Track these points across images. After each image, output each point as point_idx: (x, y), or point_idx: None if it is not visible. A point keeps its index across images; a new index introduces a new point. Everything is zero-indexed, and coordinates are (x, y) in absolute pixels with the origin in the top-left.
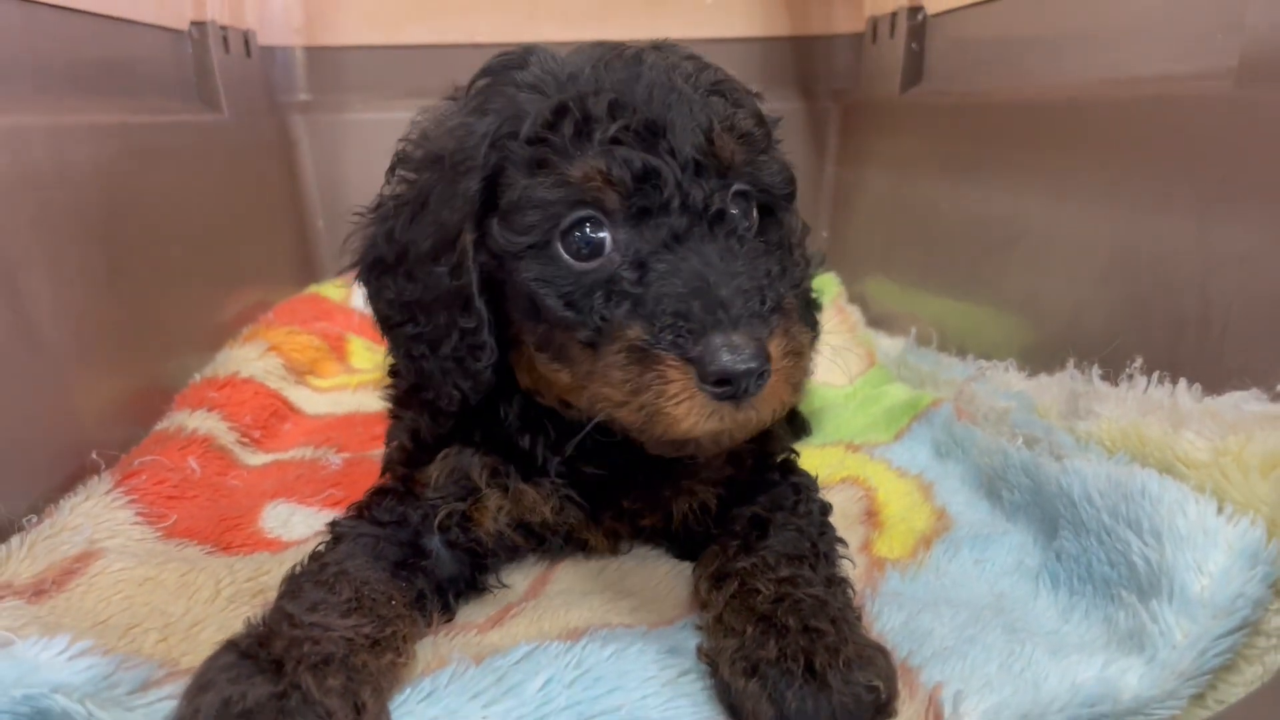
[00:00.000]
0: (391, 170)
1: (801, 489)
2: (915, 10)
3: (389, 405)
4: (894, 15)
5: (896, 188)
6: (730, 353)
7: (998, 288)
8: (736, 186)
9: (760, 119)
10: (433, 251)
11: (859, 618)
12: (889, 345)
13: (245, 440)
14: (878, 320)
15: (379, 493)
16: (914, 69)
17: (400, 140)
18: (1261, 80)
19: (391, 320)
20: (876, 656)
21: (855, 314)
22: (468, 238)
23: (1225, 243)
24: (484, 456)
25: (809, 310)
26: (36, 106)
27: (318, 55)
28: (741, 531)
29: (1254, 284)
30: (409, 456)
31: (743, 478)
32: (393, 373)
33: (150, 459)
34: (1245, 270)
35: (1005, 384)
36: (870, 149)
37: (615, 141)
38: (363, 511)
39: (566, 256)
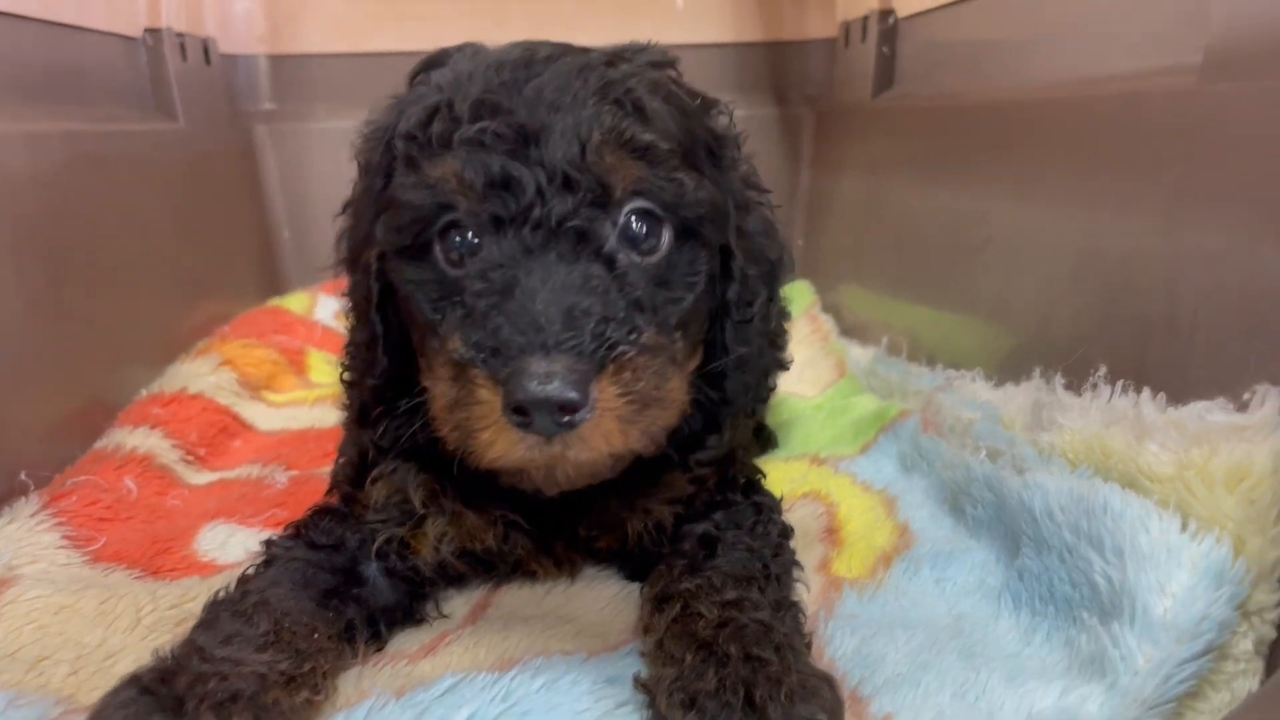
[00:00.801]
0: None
1: (763, 509)
2: (886, 14)
3: (344, 417)
4: (865, 19)
5: (870, 193)
6: (532, 381)
7: (967, 293)
8: (633, 204)
9: (678, 135)
10: (352, 261)
11: (808, 644)
12: (860, 355)
13: (189, 458)
14: (851, 329)
15: (318, 512)
16: (885, 73)
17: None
18: (1226, 75)
19: (346, 318)
20: (821, 687)
21: (829, 323)
22: (371, 252)
23: (1192, 242)
24: (423, 474)
25: (771, 345)
26: None
27: (281, 63)
28: (690, 550)
29: (1222, 284)
30: (355, 473)
31: (703, 497)
32: (348, 384)
33: (83, 479)
34: (1213, 270)
35: (972, 394)
36: (844, 155)
37: (479, 144)
38: (299, 532)
39: (440, 259)
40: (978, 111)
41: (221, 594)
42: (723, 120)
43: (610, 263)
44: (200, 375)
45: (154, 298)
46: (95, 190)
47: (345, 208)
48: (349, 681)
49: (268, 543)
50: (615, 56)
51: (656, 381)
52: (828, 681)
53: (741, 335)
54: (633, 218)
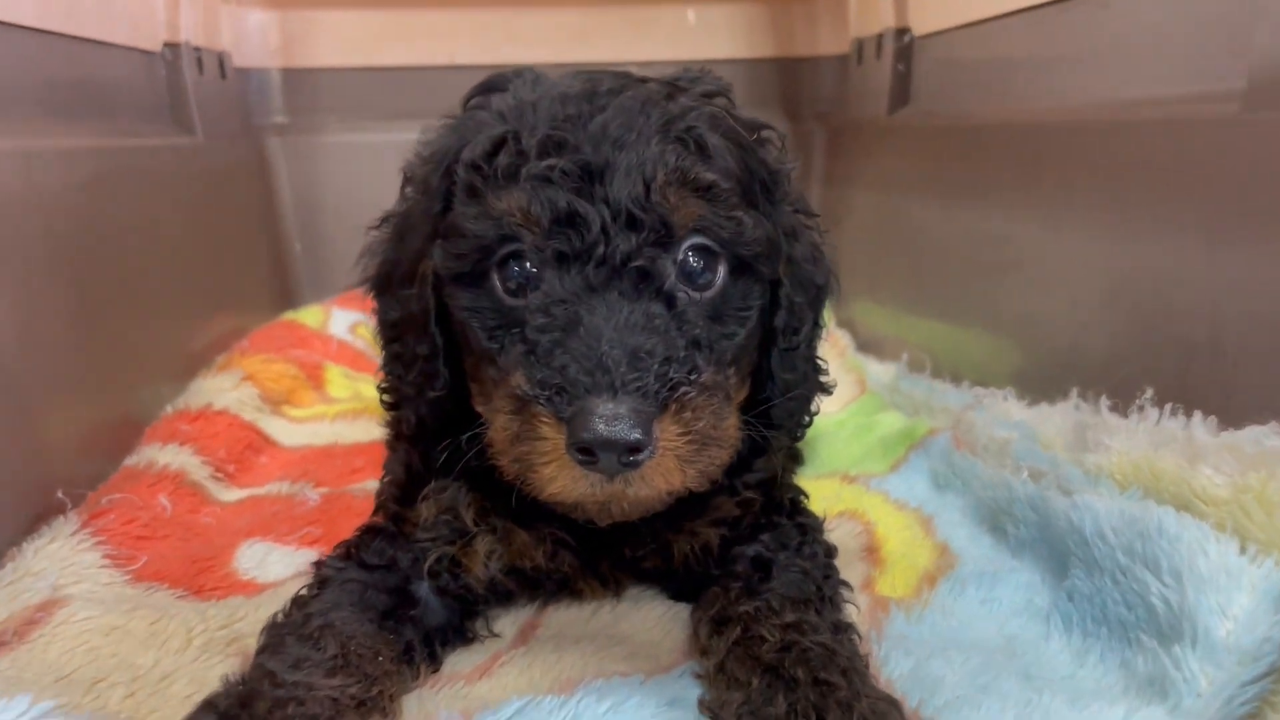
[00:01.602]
0: (402, 187)
1: (808, 530)
2: (902, 31)
3: (388, 436)
4: (880, 37)
5: (884, 210)
6: (599, 422)
7: (992, 312)
8: (692, 241)
9: (738, 173)
10: (406, 274)
11: (867, 666)
12: (880, 371)
13: (219, 475)
14: (867, 345)
15: (368, 532)
16: (901, 91)
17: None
18: (1270, 103)
19: (384, 339)
20: (891, 712)
21: (844, 339)
22: (428, 264)
23: (1236, 268)
24: (473, 493)
25: (813, 371)
26: (5, 129)
27: (294, 77)
28: (744, 573)
29: (1268, 310)
30: (402, 492)
31: (749, 520)
32: (391, 405)
33: (119, 497)
34: (1258, 296)
35: (1004, 413)
36: (857, 171)
37: (545, 180)
38: (350, 552)
39: (499, 288)
40: (1003, 132)
41: (280, 616)
42: (774, 151)
43: (670, 301)
44: (224, 391)
45: (173, 312)
46: (120, 205)
47: (384, 221)
48: (412, 704)
49: (319, 564)
50: (673, 88)
51: (714, 420)
52: (895, 706)
53: (788, 363)
54: (690, 254)
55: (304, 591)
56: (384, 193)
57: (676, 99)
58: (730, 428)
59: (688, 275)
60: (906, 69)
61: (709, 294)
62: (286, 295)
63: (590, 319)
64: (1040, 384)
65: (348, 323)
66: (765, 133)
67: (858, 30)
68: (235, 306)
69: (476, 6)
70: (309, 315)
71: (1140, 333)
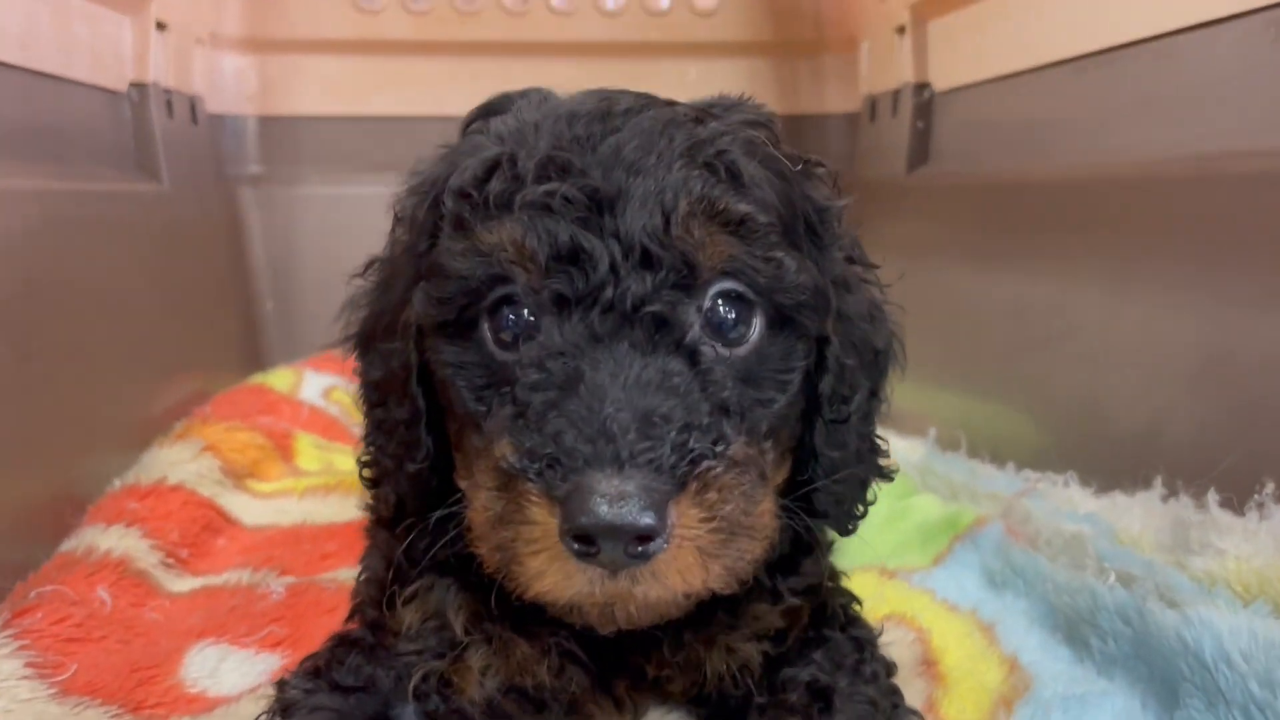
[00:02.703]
0: (392, 228)
1: (864, 645)
2: (922, 87)
3: (368, 522)
4: (896, 93)
5: (907, 274)
6: (601, 503)
7: (1040, 390)
8: (721, 286)
9: (777, 206)
10: (389, 326)
11: None
12: (906, 448)
13: (170, 561)
14: (888, 419)
15: (341, 644)
16: (921, 148)
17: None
18: None
19: (367, 404)
20: None
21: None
22: (411, 312)
23: None
24: (463, 594)
25: (870, 451)
26: None
27: (272, 125)
28: (799, 704)
29: None
30: (381, 593)
31: (796, 634)
32: (372, 482)
33: (50, 590)
34: None
35: (1068, 502)
36: (873, 233)
37: (544, 208)
38: (319, 670)
39: (489, 339)
40: (1048, 190)
41: None
42: (823, 189)
43: (693, 357)
44: (180, 463)
45: (129, 373)
46: (68, 255)
47: (369, 267)
48: None
49: (281, 684)
50: (704, 112)
51: (745, 505)
52: None
53: (835, 438)
54: (719, 302)
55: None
56: (365, 249)
57: (706, 123)
58: (765, 514)
59: (716, 328)
60: (926, 126)
61: (741, 351)
62: (256, 357)
63: (593, 376)
64: (1107, 472)
65: (321, 387)
66: (814, 167)
67: (870, 87)
68: (199, 368)
69: (467, 54)
70: (279, 379)
71: (1243, 422)
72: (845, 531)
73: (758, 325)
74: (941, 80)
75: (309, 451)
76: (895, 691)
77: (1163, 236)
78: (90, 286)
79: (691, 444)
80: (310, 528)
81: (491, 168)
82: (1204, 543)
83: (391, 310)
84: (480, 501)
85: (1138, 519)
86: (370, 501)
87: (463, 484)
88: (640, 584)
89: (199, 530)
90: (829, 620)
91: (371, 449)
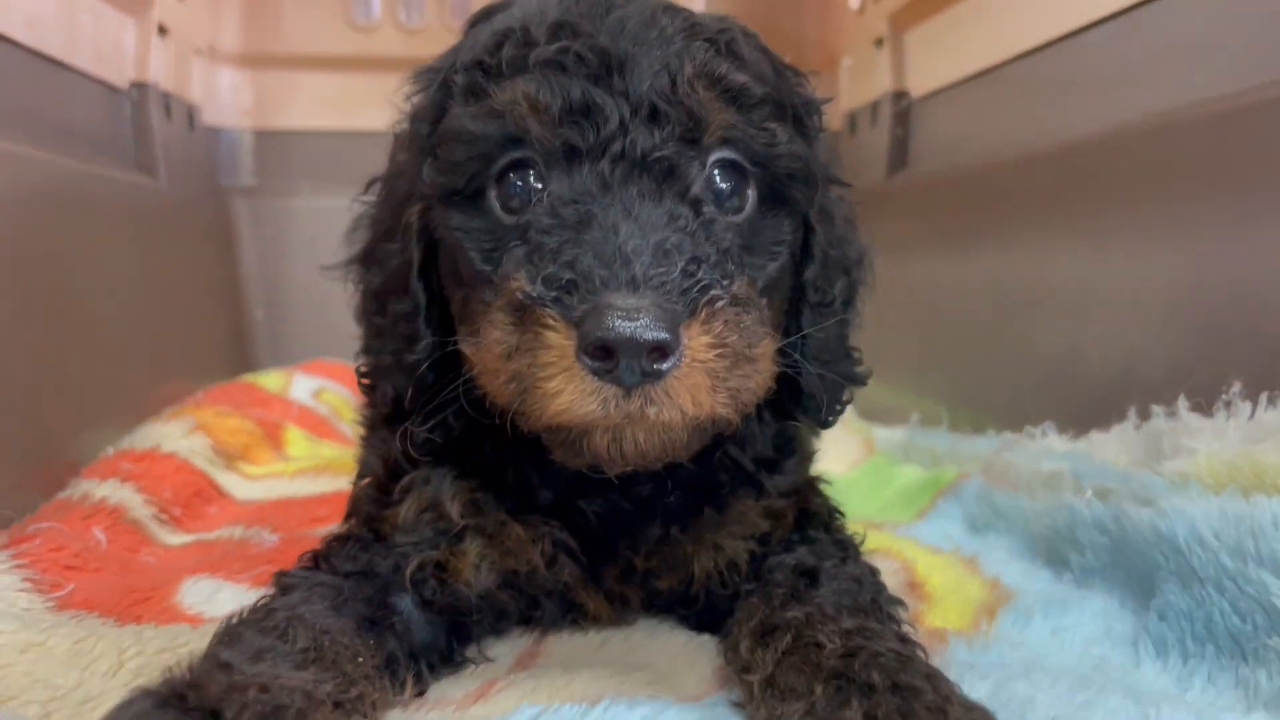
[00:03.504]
0: (392, 153)
1: (848, 545)
2: (900, 95)
3: (361, 430)
4: (874, 105)
5: (890, 275)
6: (619, 317)
7: (1023, 352)
8: (719, 154)
9: (771, 84)
10: (390, 229)
11: None
12: (888, 434)
13: (163, 517)
14: (868, 413)
15: (339, 539)
16: (899, 154)
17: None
18: None
19: (365, 314)
20: (988, 718)
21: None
22: (414, 208)
23: None
24: (459, 482)
25: (845, 355)
26: None
27: (266, 138)
28: (785, 581)
29: None
30: (379, 491)
31: (780, 535)
32: (369, 387)
33: (46, 526)
34: None
35: (1045, 449)
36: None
37: (557, 65)
38: (319, 561)
39: (497, 206)
40: (1019, 169)
41: (235, 618)
42: (807, 90)
43: (697, 206)
44: (174, 437)
45: (123, 356)
46: (70, 228)
47: (370, 185)
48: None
49: (280, 574)
50: (695, 13)
51: (748, 337)
52: (991, 717)
53: (820, 321)
54: (717, 171)
55: (263, 600)
56: None
57: (699, 16)
58: (766, 351)
59: (715, 196)
60: (905, 132)
61: (738, 219)
62: (245, 362)
63: (605, 215)
64: (1086, 417)
65: (311, 388)
66: (804, 77)
67: (849, 102)
68: (189, 367)
69: None
70: (269, 379)
71: (1214, 341)
72: (825, 423)
73: (751, 198)
74: (918, 86)
75: (298, 442)
76: (880, 584)
77: (1129, 191)
78: (88, 263)
79: (700, 275)
80: (300, 498)
81: (503, 38)
82: (1176, 447)
83: (392, 214)
84: (493, 338)
85: (1114, 448)
86: (365, 413)
87: (468, 349)
88: (653, 404)
89: (191, 494)
90: (813, 521)
91: (370, 356)
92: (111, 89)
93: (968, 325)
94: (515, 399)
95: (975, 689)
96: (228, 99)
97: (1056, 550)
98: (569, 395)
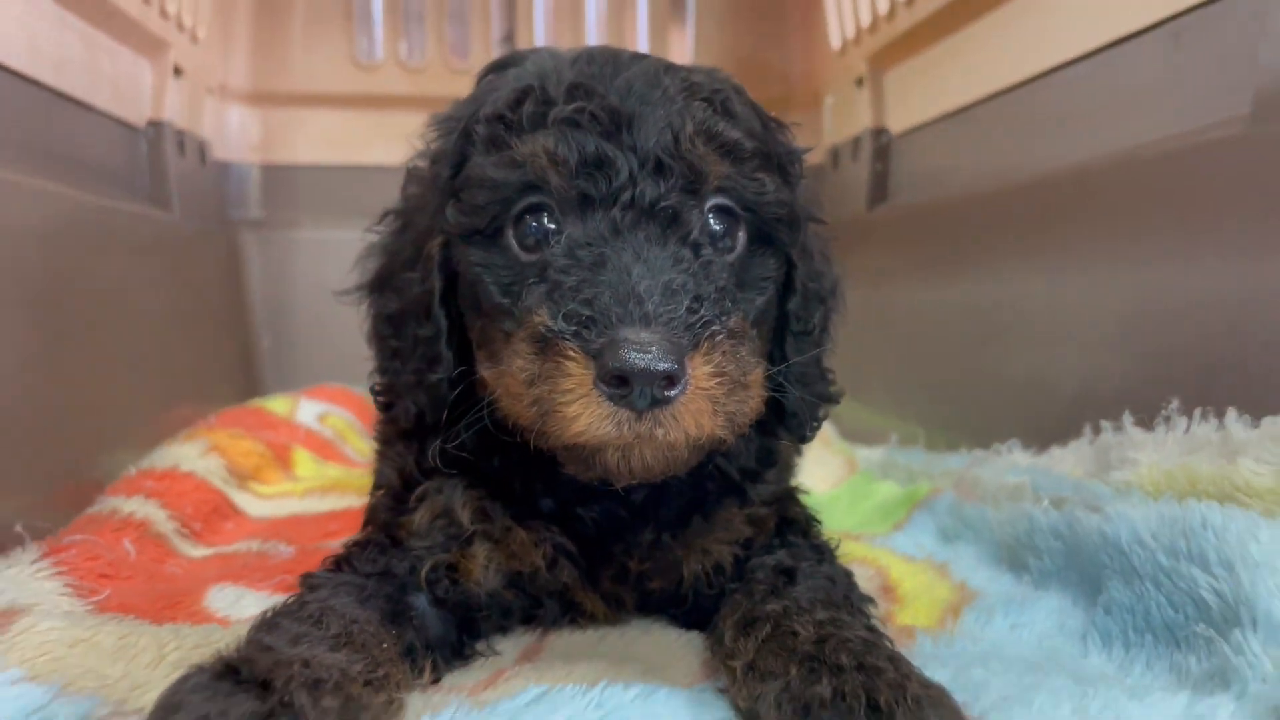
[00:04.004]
0: (404, 186)
1: (825, 551)
2: (879, 132)
3: (377, 444)
4: (856, 140)
5: (870, 304)
6: (633, 351)
7: (991, 377)
8: (714, 201)
9: (760, 138)
10: (410, 259)
11: None
12: (868, 454)
13: (185, 531)
14: (850, 434)
15: (359, 544)
16: (879, 188)
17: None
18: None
19: (379, 337)
20: (945, 697)
21: (829, 429)
22: (435, 241)
23: (1257, 276)
24: (470, 491)
25: (821, 377)
26: None
27: (273, 173)
28: (766, 579)
29: None
30: (396, 501)
31: (761, 540)
32: (386, 405)
33: (80, 537)
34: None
35: (1011, 463)
36: (838, 267)
37: (573, 123)
38: (341, 564)
39: (515, 245)
40: (992, 203)
41: (270, 612)
42: (791, 140)
43: (697, 249)
44: (191, 457)
45: (138, 382)
46: (91, 260)
47: (384, 217)
48: (415, 701)
49: (306, 575)
50: (692, 69)
51: (743, 366)
52: (946, 692)
53: (801, 349)
54: (712, 216)
55: (293, 597)
56: None
57: (695, 76)
58: (757, 379)
59: (711, 239)
60: (884, 166)
61: (730, 257)
62: (252, 388)
63: (618, 258)
64: (1048, 434)
65: (316, 413)
66: (782, 124)
67: (833, 137)
68: (200, 392)
69: None
70: (276, 404)
71: (1158, 361)
72: (805, 439)
73: (742, 238)
74: (897, 124)
75: (306, 463)
76: (853, 584)
77: (1090, 225)
78: (108, 295)
79: (703, 311)
80: (311, 515)
81: (522, 95)
82: (1122, 459)
83: (413, 245)
84: (516, 365)
85: (1070, 461)
86: (381, 428)
87: (487, 373)
88: (661, 426)
89: (209, 511)
90: (792, 527)
91: (386, 376)
92: (130, 127)
93: (943, 351)
94: (537, 421)
95: (936, 675)
96: (236, 135)
97: (1017, 555)
98: (587, 419)
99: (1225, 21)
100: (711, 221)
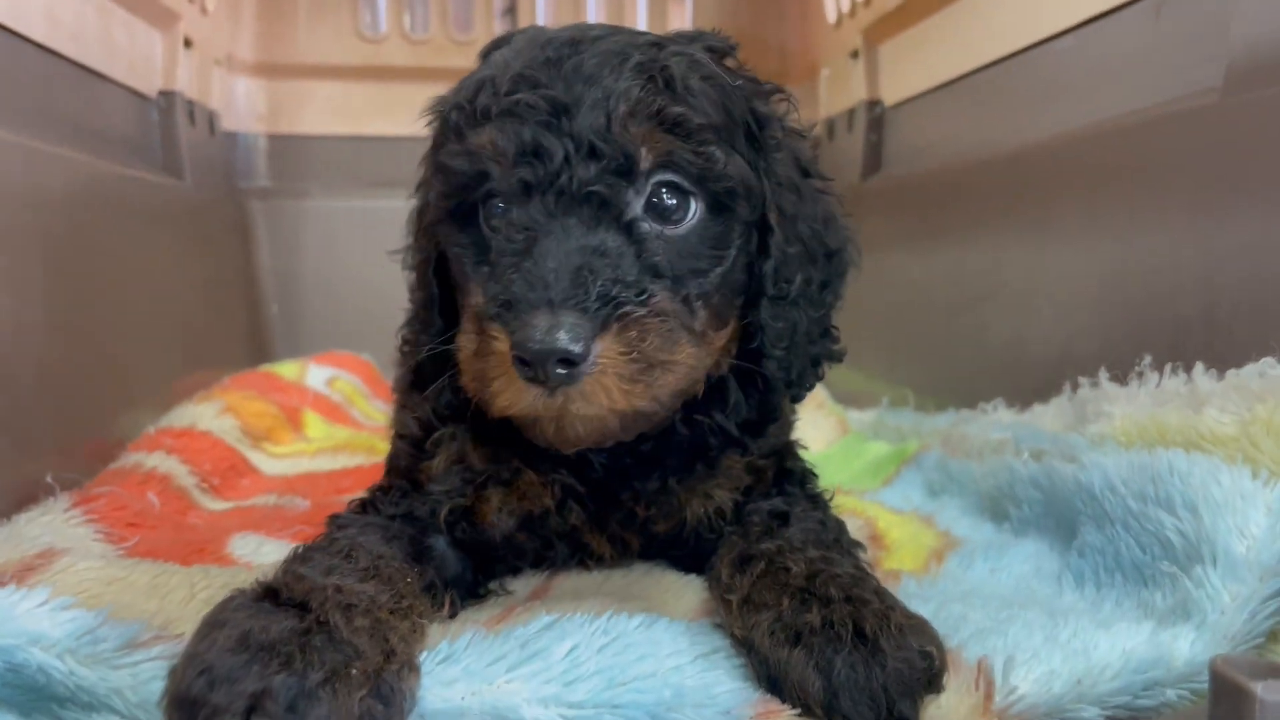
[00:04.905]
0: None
1: (819, 500)
2: (874, 104)
3: (396, 394)
4: (851, 111)
5: (861, 271)
6: (534, 333)
7: (977, 342)
8: (661, 177)
9: (717, 109)
10: (414, 230)
11: None
12: (861, 415)
13: (204, 486)
14: (845, 398)
15: (382, 489)
16: (873, 158)
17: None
18: (1250, 86)
19: (409, 292)
20: (927, 625)
21: (822, 392)
22: (428, 217)
23: (1224, 238)
24: (482, 436)
25: (824, 334)
26: (9, 124)
27: (279, 143)
28: (761, 522)
29: (1257, 272)
30: (416, 448)
31: (761, 489)
32: (407, 352)
33: (108, 489)
34: (1249, 260)
35: (995, 421)
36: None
37: (511, 114)
38: (366, 507)
39: (484, 224)
40: (979, 172)
41: (300, 547)
42: (779, 107)
43: (631, 230)
44: (207, 417)
45: (155, 344)
46: (112, 227)
47: (417, 188)
48: (434, 631)
49: (333, 516)
50: (666, 39)
51: (662, 344)
52: (927, 622)
53: (778, 312)
54: (662, 190)
55: (322, 534)
56: (364, 259)
57: (664, 46)
58: (685, 355)
59: (659, 211)
60: (879, 137)
61: (680, 230)
62: (262, 355)
63: (544, 243)
64: (1030, 394)
65: (324, 377)
66: (761, 87)
67: (829, 109)
68: (210, 360)
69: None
70: (286, 368)
71: (1133, 321)
72: (796, 397)
73: (695, 209)
74: (891, 95)
75: (316, 425)
76: (843, 528)
77: (1069, 195)
78: (128, 259)
79: (615, 293)
80: (324, 473)
81: (479, 86)
82: (1098, 412)
83: (416, 217)
84: (463, 341)
85: (1051, 417)
86: (399, 378)
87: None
88: (573, 402)
89: (226, 468)
90: (790, 478)
91: (409, 328)
92: (142, 97)
93: (932, 316)
94: (478, 392)
95: (919, 610)
96: (244, 105)
97: (999, 505)
98: (509, 394)
99: None
100: (663, 195)
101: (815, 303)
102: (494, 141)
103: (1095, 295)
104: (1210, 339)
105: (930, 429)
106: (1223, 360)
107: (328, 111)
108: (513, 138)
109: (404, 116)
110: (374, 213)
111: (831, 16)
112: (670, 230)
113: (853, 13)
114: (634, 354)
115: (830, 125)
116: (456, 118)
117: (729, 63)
